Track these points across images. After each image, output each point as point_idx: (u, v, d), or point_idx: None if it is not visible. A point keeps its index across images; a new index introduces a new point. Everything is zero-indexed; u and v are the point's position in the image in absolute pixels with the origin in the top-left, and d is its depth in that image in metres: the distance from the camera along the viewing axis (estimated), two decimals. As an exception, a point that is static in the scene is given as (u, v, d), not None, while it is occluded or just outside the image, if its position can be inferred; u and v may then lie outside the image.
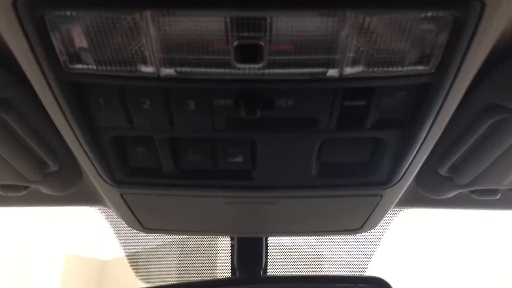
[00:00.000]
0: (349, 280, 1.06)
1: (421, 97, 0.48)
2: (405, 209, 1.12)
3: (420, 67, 0.43)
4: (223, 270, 1.36)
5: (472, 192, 0.77)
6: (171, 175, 0.60)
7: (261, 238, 1.16)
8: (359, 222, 0.82)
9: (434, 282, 3.94)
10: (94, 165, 0.60)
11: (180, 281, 1.49)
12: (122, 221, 0.85)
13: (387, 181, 0.63)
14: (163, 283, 1.42)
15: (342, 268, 1.45)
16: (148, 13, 0.38)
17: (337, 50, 0.41)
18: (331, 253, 1.46)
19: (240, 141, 0.55)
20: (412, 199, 0.89)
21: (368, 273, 1.45)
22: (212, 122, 0.51)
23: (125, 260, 1.49)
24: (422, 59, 0.43)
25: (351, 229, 0.88)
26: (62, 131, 0.55)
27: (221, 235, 1.37)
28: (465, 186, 0.72)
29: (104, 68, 0.43)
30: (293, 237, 1.41)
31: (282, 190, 0.65)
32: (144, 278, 1.52)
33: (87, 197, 0.87)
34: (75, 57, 0.42)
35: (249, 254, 1.14)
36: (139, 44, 0.41)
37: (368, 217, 0.78)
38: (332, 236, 1.40)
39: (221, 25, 0.39)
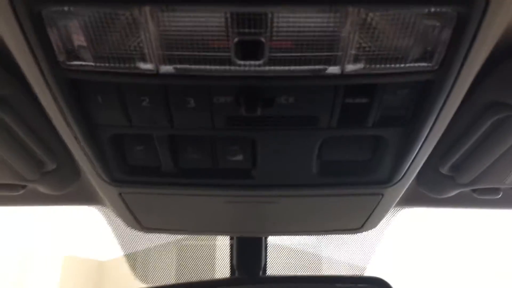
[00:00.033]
0: (349, 280, 1.06)
1: (423, 94, 0.47)
2: (406, 208, 1.11)
3: (423, 64, 0.43)
4: (223, 270, 1.35)
5: (474, 191, 0.76)
6: (170, 173, 0.60)
7: (261, 238, 1.16)
8: (360, 221, 0.81)
9: (434, 282, 3.94)
10: (92, 164, 0.59)
11: (179, 281, 1.49)
12: (121, 221, 0.85)
13: (388, 180, 0.62)
14: (162, 283, 1.42)
15: (342, 268, 1.45)
16: (147, 9, 0.37)
17: (338, 47, 0.41)
18: (330, 253, 1.45)
19: (240, 140, 0.55)
20: (413, 198, 0.88)
21: (368, 273, 1.44)
22: (212, 120, 0.50)
23: (123, 261, 1.49)
24: (425, 56, 0.42)
25: (352, 229, 0.87)
26: (60, 129, 0.55)
27: (220, 235, 1.37)
28: (466, 185, 0.71)
29: (102, 65, 0.43)
30: (293, 237, 1.40)
31: (282, 189, 0.64)
32: (143, 278, 1.52)
33: (85, 197, 0.86)
34: (73, 53, 0.42)
35: (249, 254, 1.14)
36: (138, 41, 0.40)
37: (369, 217, 0.78)
38: (331, 235, 1.40)
39: (221, 21, 0.38)
